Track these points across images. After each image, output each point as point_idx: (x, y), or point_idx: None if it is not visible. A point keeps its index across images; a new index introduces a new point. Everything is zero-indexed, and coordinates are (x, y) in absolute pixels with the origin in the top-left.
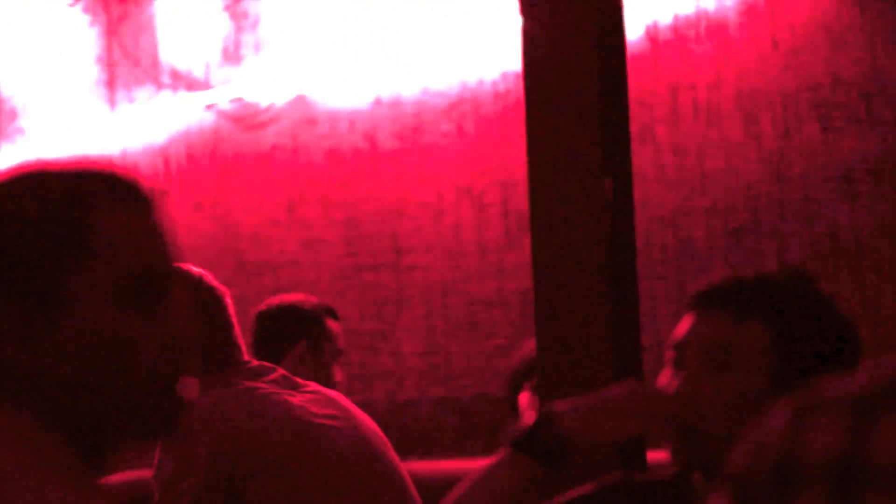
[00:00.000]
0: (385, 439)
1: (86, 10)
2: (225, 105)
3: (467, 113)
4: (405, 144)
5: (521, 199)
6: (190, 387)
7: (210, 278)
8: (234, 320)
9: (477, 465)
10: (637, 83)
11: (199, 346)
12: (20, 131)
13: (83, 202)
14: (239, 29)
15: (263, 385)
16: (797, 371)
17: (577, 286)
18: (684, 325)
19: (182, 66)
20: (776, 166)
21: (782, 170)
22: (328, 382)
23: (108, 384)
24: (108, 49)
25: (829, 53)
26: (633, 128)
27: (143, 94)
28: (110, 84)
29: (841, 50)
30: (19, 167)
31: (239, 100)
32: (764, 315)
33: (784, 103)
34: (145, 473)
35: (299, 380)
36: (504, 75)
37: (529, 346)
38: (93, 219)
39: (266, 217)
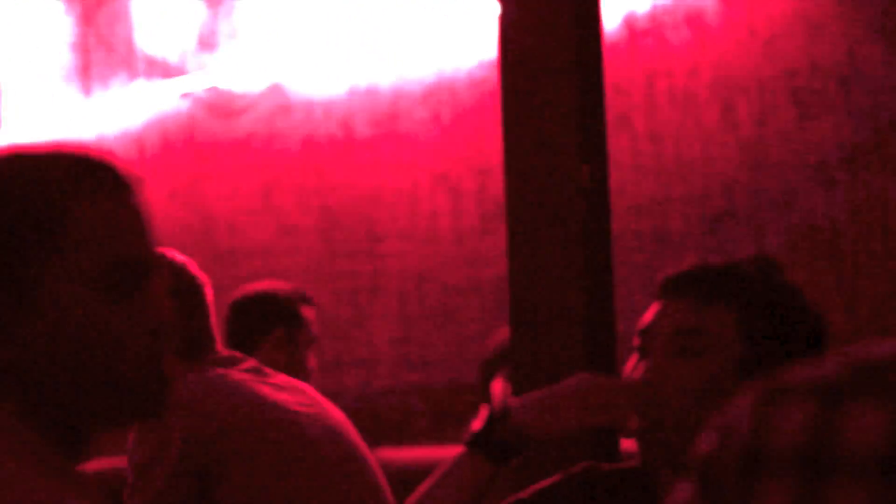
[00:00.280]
0: (354, 429)
1: None
2: (200, 93)
3: (443, 101)
4: (381, 132)
5: (496, 187)
6: (171, 367)
7: (193, 266)
8: (212, 310)
9: (450, 452)
10: (614, 70)
11: (176, 332)
12: None
13: (61, 188)
14: (214, 17)
15: (235, 373)
16: (763, 358)
17: (552, 274)
18: (651, 312)
19: (157, 54)
20: (753, 154)
21: (759, 157)
22: (302, 369)
23: (88, 370)
24: (84, 36)
25: (806, 41)
26: (610, 115)
27: (119, 81)
28: (85, 71)
29: (818, 37)
30: None
31: (214, 88)
32: (728, 301)
33: (761, 91)
34: (121, 461)
35: (268, 370)
36: (480, 63)
37: (503, 333)
38: (71, 205)
39: (241, 204)
